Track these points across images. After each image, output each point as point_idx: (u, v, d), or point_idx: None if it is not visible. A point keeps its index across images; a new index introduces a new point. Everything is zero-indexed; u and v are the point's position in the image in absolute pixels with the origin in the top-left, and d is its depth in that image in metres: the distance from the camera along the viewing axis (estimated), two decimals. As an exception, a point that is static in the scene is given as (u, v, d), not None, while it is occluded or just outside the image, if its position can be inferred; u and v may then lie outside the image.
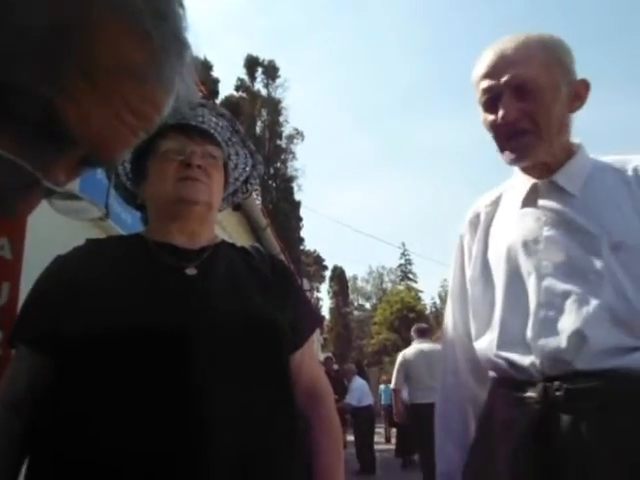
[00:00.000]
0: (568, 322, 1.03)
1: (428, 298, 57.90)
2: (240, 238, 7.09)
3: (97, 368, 0.94)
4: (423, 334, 6.19)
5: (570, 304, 1.04)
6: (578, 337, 1.01)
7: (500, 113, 1.10)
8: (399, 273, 57.06)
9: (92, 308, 0.96)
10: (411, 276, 54.96)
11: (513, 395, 1.10)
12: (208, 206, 1.13)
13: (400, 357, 6.29)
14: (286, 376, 1.08)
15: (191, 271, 1.08)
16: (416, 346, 6.07)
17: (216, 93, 30.07)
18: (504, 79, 1.09)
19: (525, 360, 1.07)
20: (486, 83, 1.12)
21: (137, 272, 1.05)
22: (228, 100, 30.82)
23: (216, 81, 29.28)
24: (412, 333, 6.39)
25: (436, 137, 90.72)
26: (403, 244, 54.19)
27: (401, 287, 46.88)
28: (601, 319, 1.01)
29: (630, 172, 1.12)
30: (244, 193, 1.32)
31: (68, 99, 0.36)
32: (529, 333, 1.08)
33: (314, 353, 1.26)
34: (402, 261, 55.69)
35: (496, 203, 1.27)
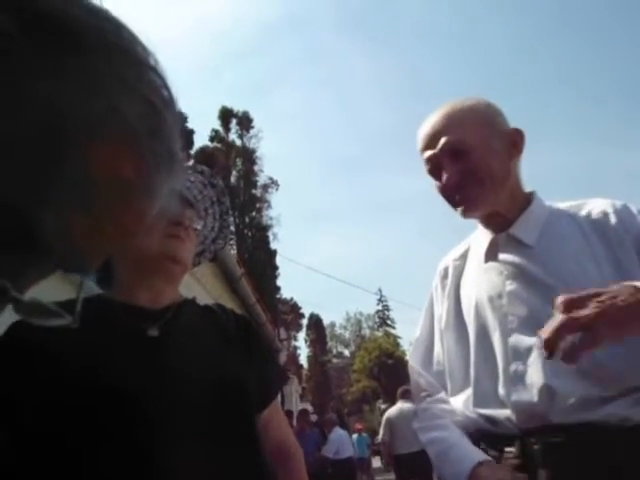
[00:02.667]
0: (536, 376, 1.05)
1: (407, 344, 57.61)
2: (215, 289, 7.02)
3: (53, 434, 0.91)
4: (405, 395, 6.82)
5: (536, 358, 1.06)
6: (547, 391, 1.02)
7: (443, 178, 1.17)
8: (377, 319, 56.92)
9: (49, 373, 0.94)
10: (389, 322, 54.84)
11: (493, 450, 1.10)
12: (185, 267, 1.14)
13: (385, 417, 7.28)
14: (254, 436, 1.06)
15: (153, 332, 1.06)
16: (399, 406, 6.93)
17: (191, 144, 30.35)
18: (439, 147, 1.17)
19: (501, 414, 1.08)
20: (427, 154, 1.20)
21: (97, 334, 1.01)
22: (203, 150, 31.07)
23: (191, 132, 29.59)
24: (397, 394, 7.24)
25: (410, 186, 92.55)
26: (380, 290, 54.34)
27: (379, 333, 46.64)
28: (568, 373, 1.01)
29: (584, 218, 1.15)
30: (223, 239, 1.32)
31: (49, 212, 0.34)
32: (502, 389, 1.09)
33: (281, 410, 1.25)
34: (379, 307, 55.70)
35: (464, 257, 1.32)
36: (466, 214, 1.21)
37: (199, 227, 1.24)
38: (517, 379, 1.07)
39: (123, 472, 0.89)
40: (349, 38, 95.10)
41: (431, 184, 1.26)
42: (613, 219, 1.12)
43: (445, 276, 1.34)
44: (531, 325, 1.08)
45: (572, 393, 1.01)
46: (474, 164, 1.15)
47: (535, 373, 1.05)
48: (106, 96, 0.35)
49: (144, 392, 0.94)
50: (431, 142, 1.19)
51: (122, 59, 0.36)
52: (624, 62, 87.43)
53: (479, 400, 1.14)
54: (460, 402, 1.19)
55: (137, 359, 1.00)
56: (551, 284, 1.08)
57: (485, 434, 1.13)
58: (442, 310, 1.30)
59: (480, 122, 1.19)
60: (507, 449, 1.06)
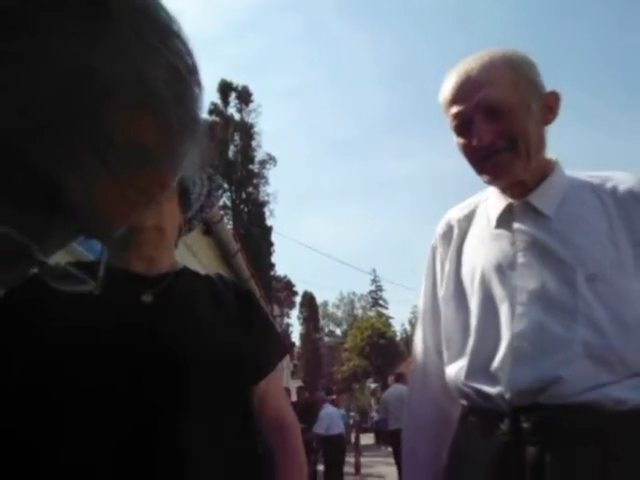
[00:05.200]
0: (543, 358, 1.01)
1: (398, 324, 58.12)
2: (210, 263, 7.00)
3: (41, 393, 0.91)
4: (399, 379, 8.45)
5: (545, 338, 1.02)
6: (555, 376, 0.99)
7: (474, 137, 1.07)
8: (370, 299, 57.34)
9: (43, 335, 0.93)
10: (382, 302, 55.31)
11: (482, 425, 1.08)
12: (159, 230, 1.09)
13: (382, 398, 9.00)
14: (248, 407, 1.05)
15: (147, 298, 1.05)
16: (394, 386, 8.41)
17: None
18: (474, 102, 1.06)
19: (493, 390, 1.05)
20: (456, 108, 1.09)
21: (90, 299, 1.00)
22: (202, 123, 30.71)
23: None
24: (390, 378, 9.11)
25: (406, 166, 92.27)
26: (374, 270, 54.72)
27: (372, 313, 46.97)
28: (576, 355, 0.99)
29: (608, 193, 1.08)
30: (210, 207, 1.29)
31: (74, 176, 0.35)
32: (499, 364, 1.05)
33: (280, 383, 1.23)
34: (373, 287, 56.05)
35: (469, 218, 1.23)
36: (493, 182, 1.14)
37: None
38: (520, 357, 1.03)
39: (112, 437, 0.89)
40: (349, 19, 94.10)
41: (449, 143, 1.14)
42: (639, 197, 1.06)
43: (448, 236, 1.25)
44: (542, 301, 1.04)
45: (578, 377, 0.98)
46: (511, 126, 1.05)
47: (541, 354, 1.01)
48: (132, 61, 0.34)
49: (133, 356, 0.94)
50: (463, 95, 1.08)
51: (148, 24, 0.36)
52: (620, 49, 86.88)
53: (471, 373, 1.10)
54: (453, 372, 1.15)
55: (129, 324, 0.98)
56: (566, 259, 1.04)
57: (474, 408, 1.11)
58: (444, 271, 1.24)
59: (522, 81, 1.08)
60: (497, 425, 1.04)
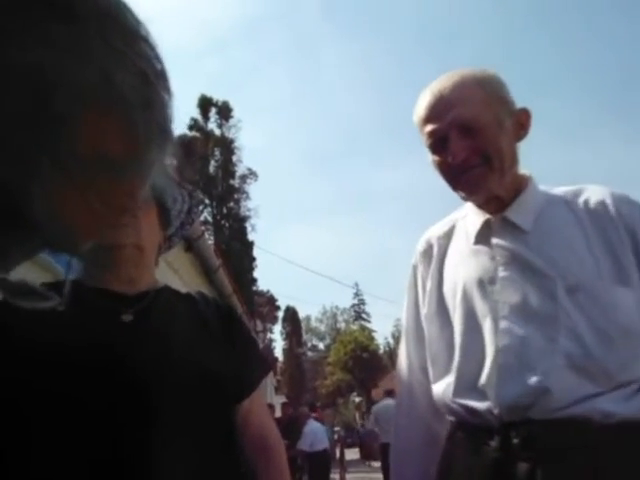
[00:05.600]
0: (528, 371, 1.01)
1: (381, 338, 58.05)
2: (192, 280, 6.93)
3: (20, 415, 0.89)
4: (389, 394, 8.83)
5: (529, 351, 1.02)
6: (542, 389, 0.99)
7: (450, 154, 1.08)
8: (352, 313, 57.29)
9: (22, 355, 0.91)
10: (364, 316, 55.26)
11: (471, 442, 1.07)
12: (138, 249, 1.08)
13: (372, 411, 9.09)
14: (230, 427, 1.04)
15: (127, 317, 1.03)
16: (384, 402, 8.68)
17: (169, 132, 29.86)
18: (447, 121, 1.08)
19: (482, 406, 1.05)
20: (430, 127, 1.11)
21: (69, 318, 0.99)
22: (181, 139, 30.66)
23: (169, 120, 29.19)
24: (375, 391, 9.96)
25: (386, 180, 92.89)
26: (356, 284, 54.69)
27: (355, 327, 46.88)
28: (562, 368, 0.99)
29: (581, 206, 1.11)
30: (191, 224, 1.27)
31: (36, 188, 0.33)
32: (486, 380, 1.05)
33: (263, 401, 1.22)
34: (355, 301, 56.02)
35: (449, 235, 1.25)
36: (469, 197, 1.16)
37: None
38: (506, 371, 1.03)
39: (84, 456, 0.87)
40: (333, 30, 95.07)
41: (424, 158, 1.16)
42: (612, 210, 1.08)
43: (428, 254, 1.26)
44: (524, 314, 1.05)
45: (564, 390, 0.98)
46: (485, 143, 1.07)
47: (527, 367, 1.01)
48: (98, 66, 0.33)
49: (113, 376, 0.92)
50: (437, 114, 1.10)
51: (114, 28, 0.35)
52: (588, 61, 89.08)
53: (459, 389, 1.10)
54: (440, 390, 1.15)
55: (109, 344, 0.97)
56: (546, 272, 1.05)
57: (463, 424, 1.10)
58: (426, 290, 1.24)
59: (494, 99, 1.11)
60: (486, 441, 1.03)
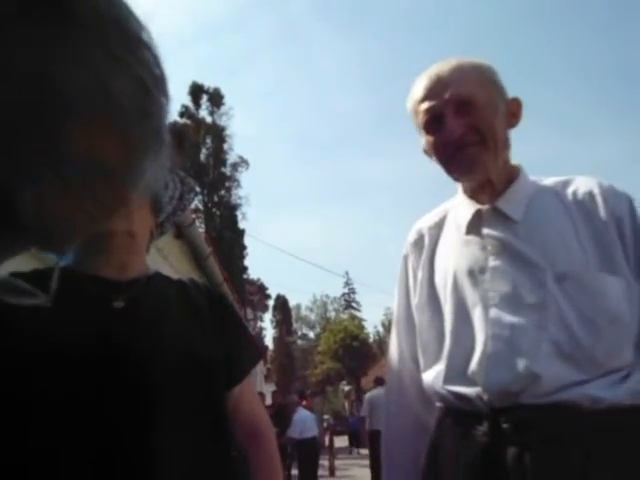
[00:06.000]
0: (518, 358, 1.02)
1: (371, 327, 58.38)
2: (182, 267, 6.92)
3: (14, 404, 0.89)
4: (379, 382, 9.08)
5: (518, 338, 1.03)
6: (530, 375, 1.00)
7: (446, 130, 1.10)
8: (343, 302, 57.41)
9: (13, 345, 0.91)
10: (355, 305, 55.41)
11: (460, 427, 1.08)
12: (130, 235, 1.08)
13: (367, 398, 9.36)
14: (220, 414, 1.05)
15: (118, 304, 1.03)
16: (378, 390, 8.71)
17: (160, 119, 29.60)
18: (445, 97, 1.10)
19: (472, 392, 1.06)
20: (426, 104, 1.13)
21: (59, 304, 0.99)
22: (172, 126, 30.33)
23: (160, 107, 28.94)
24: (364, 380, 10.19)
25: (377, 170, 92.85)
26: (347, 273, 54.75)
27: (345, 316, 47.02)
28: (550, 355, 1.00)
29: (570, 196, 1.12)
30: (182, 210, 1.27)
31: (26, 188, 0.33)
32: (476, 366, 1.06)
33: (254, 388, 1.22)
34: (346, 290, 56.15)
35: (440, 225, 1.26)
36: (462, 176, 1.17)
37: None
38: (495, 358, 1.04)
39: (80, 445, 0.88)
40: (326, 18, 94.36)
41: (416, 149, 1.16)
42: (599, 200, 1.09)
43: (419, 245, 1.27)
44: (513, 302, 1.06)
45: (552, 376, 0.99)
46: (480, 120, 1.09)
47: (516, 354, 1.03)
48: (96, 72, 0.33)
49: (104, 363, 0.93)
50: (434, 92, 1.12)
51: (115, 34, 0.34)
52: (584, 53, 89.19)
53: (449, 376, 1.11)
54: (430, 377, 1.16)
55: (101, 330, 0.97)
56: (536, 262, 1.06)
57: (453, 410, 1.11)
58: (417, 279, 1.25)
59: (489, 82, 1.14)
60: (476, 427, 1.04)
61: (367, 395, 9.47)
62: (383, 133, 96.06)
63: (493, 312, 1.07)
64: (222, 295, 1.25)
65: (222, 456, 1.02)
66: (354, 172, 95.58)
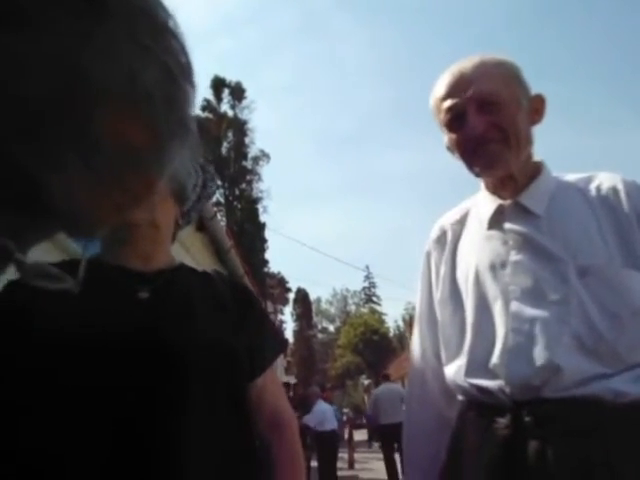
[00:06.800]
0: (538, 351, 1.02)
1: (391, 321, 58.16)
2: (204, 260, 6.98)
3: (41, 395, 0.89)
4: (387, 378, 9.65)
5: (539, 331, 1.03)
6: (551, 367, 1.00)
7: (468, 127, 1.10)
8: (363, 296, 57.36)
9: (36, 332, 0.92)
10: (375, 299, 55.32)
11: (482, 420, 1.08)
12: (154, 226, 1.09)
13: (373, 394, 9.69)
14: (243, 405, 1.05)
15: (143, 295, 1.04)
16: (384, 386, 9.29)
17: (182, 113, 29.71)
18: (467, 95, 1.10)
19: (494, 385, 1.06)
20: (449, 102, 1.13)
21: (86, 294, 1.00)
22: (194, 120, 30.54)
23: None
24: (380, 379, 10.12)
25: (398, 163, 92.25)
26: (367, 267, 54.67)
27: (365, 310, 46.97)
28: (571, 348, 1.00)
29: (593, 192, 1.12)
30: (207, 198, 1.27)
31: (57, 177, 0.34)
32: (497, 359, 1.07)
33: (277, 379, 1.23)
34: (366, 284, 56.08)
35: (462, 222, 1.26)
36: (484, 172, 1.17)
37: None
38: (516, 351, 1.04)
39: (109, 436, 0.88)
40: (347, 11, 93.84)
41: (438, 143, 1.16)
42: (623, 195, 1.09)
43: (442, 241, 1.28)
44: (535, 296, 1.06)
45: (573, 369, 0.99)
46: (503, 118, 1.09)
47: (537, 347, 1.03)
48: (124, 61, 0.34)
49: (129, 354, 0.93)
50: (457, 90, 1.12)
51: (144, 23, 0.35)
52: (597, 49, 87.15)
53: (471, 370, 1.11)
54: (452, 371, 1.17)
55: (126, 320, 0.98)
56: (558, 256, 1.06)
57: (475, 403, 1.12)
58: (439, 275, 1.26)
59: (513, 79, 1.14)
60: (498, 419, 1.04)
61: (374, 392, 9.75)
62: (404, 127, 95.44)
63: (514, 306, 1.07)
64: (246, 287, 1.25)
65: (245, 445, 1.03)
66: (375, 165, 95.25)
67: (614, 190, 1.10)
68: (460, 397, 1.17)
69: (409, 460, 1.32)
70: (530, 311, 1.05)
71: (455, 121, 1.13)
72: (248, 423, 1.05)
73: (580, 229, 1.08)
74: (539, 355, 1.02)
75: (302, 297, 56.04)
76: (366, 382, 36.18)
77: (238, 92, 34.92)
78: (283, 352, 1.22)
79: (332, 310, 64.96)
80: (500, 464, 1.02)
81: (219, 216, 8.93)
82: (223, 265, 7.89)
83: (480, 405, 1.10)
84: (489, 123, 1.09)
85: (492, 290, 1.12)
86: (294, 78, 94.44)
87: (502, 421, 1.04)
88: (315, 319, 63.52)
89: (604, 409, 0.97)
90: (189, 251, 6.24)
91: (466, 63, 1.14)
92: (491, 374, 1.07)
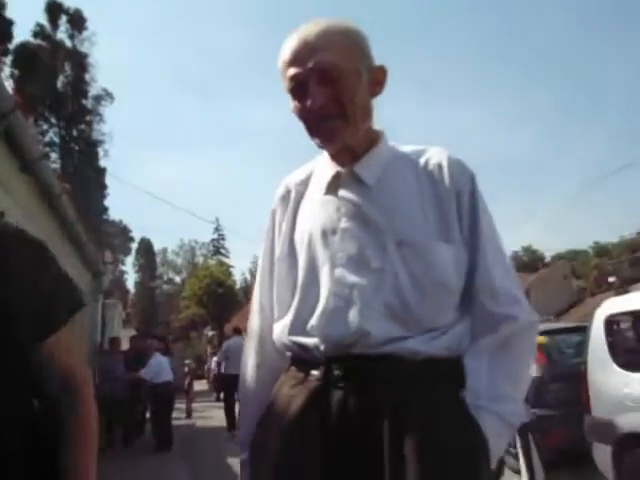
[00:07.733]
0: (352, 315, 1.10)
1: (239, 274, 58.61)
2: (30, 203, 6.37)
3: None
4: (237, 331, 10.44)
5: (356, 297, 1.11)
6: (361, 331, 1.08)
7: (308, 100, 1.13)
8: (211, 248, 56.82)
9: None
10: (223, 251, 55.11)
11: (299, 373, 1.16)
12: None
13: (224, 345, 10.71)
14: (25, 366, 1.01)
15: None
16: (235, 339, 10.07)
17: (9, 37, 26.41)
18: (309, 66, 1.12)
19: (310, 342, 1.13)
20: (292, 71, 1.14)
21: None
22: (24, 46, 27.31)
23: (9, 23, 25.73)
24: (227, 327, 11.09)
25: (254, 115, 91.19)
26: (217, 219, 53.97)
27: (212, 261, 46.59)
28: (381, 315, 1.09)
29: (421, 165, 1.19)
30: None
31: None
32: (316, 321, 1.13)
33: (73, 338, 1.18)
34: (215, 236, 55.52)
35: (305, 183, 1.30)
36: (324, 146, 1.20)
37: None
38: (334, 314, 1.12)
39: None
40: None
41: (286, 106, 1.17)
42: (445, 172, 1.17)
43: (286, 200, 1.32)
44: (358, 264, 1.13)
45: (380, 332, 1.09)
46: (342, 91, 1.12)
47: (351, 311, 1.10)
48: None
49: None
50: (300, 58, 1.13)
51: None
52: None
53: (294, 328, 1.17)
54: (279, 329, 1.22)
55: None
56: (380, 226, 1.13)
57: (296, 359, 1.19)
58: (281, 232, 1.29)
59: (356, 50, 1.16)
60: (311, 372, 1.13)
61: (224, 344, 10.67)
62: (262, 77, 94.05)
63: (338, 272, 1.14)
64: (40, 243, 1.17)
65: (22, 413, 1.00)
66: (232, 115, 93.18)
67: (439, 166, 1.18)
68: (288, 354, 1.23)
69: (244, 409, 1.37)
70: (351, 278, 1.12)
71: (298, 90, 1.14)
72: (28, 387, 1.02)
73: (404, 202, 1.15)
74: (352, 319, 1.09)
75: (145, 247, 54.11)
76: (210, 333, 36.30)
77: (78, 21, 31.71)
78: (78, 311, 1.17)
79: (179, 261, 63.66)
80: (309, 411, 1.10)
81: (53, 157, 8.15)
82: (52, 210, 7.28)
83: (299, 360, 1.18)
84: (329, 96, 1.12)
85: (322, 255, 1.17)
86: (145, 10, 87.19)
87: (315, 373, 1.12)
88: (161, 270, 61.83)
89: (401, 365, 1.07)
90: (11, 194, 5.64)
91: (312, 29, 1.14)
92: (309, 333, 1.14)
